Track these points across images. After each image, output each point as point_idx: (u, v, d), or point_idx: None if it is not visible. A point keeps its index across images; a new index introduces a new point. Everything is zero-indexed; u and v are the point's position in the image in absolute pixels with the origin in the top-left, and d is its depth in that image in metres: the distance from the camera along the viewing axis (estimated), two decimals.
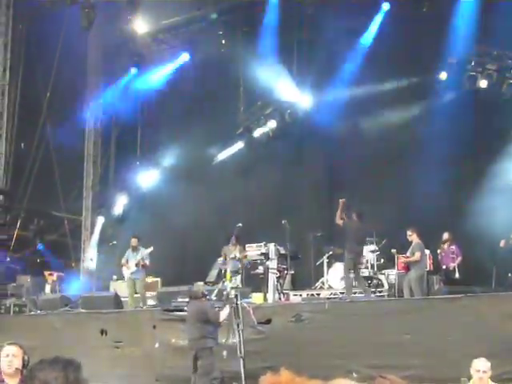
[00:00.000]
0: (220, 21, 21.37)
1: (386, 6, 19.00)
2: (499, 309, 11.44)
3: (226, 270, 15.42)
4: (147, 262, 16.78)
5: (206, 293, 11.97)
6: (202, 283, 12.85)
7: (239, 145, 21.89)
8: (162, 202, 22.06)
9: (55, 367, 2.88)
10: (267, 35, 20.06)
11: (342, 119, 19.28)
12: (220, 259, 16.57)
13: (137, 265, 16.66)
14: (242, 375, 10.57)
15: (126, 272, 16.91)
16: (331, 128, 19.18)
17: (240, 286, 14.95)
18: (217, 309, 11.80)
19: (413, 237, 14.85)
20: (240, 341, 11.14)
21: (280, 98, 20.65)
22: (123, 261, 16.97)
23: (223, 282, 15.02)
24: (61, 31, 20.32)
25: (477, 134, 17.59)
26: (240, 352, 11.05)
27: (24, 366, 5.89)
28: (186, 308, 12.39)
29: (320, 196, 19.87)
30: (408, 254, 14.91)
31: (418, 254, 14.55)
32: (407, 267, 14.90)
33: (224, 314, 11.34)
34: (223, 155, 21.99)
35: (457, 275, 15.82)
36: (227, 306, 11.41)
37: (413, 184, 18.05)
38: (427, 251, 15.78)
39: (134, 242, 17.01)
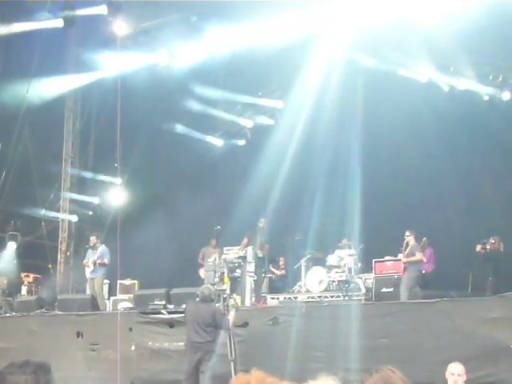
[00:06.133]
0: (200, 24, 21.32)
1: None
2: (474, 313, 11.52)
3: (223, 273, 15.28)
4: (106, 260, 16.55)
5: (214, 297, 11.64)
6: (211, 286, 12.51)
7: (218, 142, 21.91)
8: (138, 205, 22.07)
9: (26, 370, 2.85)
10: None
11: (322, 120, 19.26)
12: (210, 260, 16.40)
13: (94, 263, 16.54)
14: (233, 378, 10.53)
15: (87, 272, 16.82)
16: (311, 131, 19.17)
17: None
18: None
19: (410, 238, 14.62)
20: (231, 344, 11.11)
21: (259, 103, 20.68)
22: (84, 261, 16.90)
23: (221, 284, 14.89)
24: (40, 31, 20.20)
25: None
26: (231, 355, 11.02)
27: None
28: (184, 309, 12.01)
29: (299, 199, 19.86)
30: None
31: (419, 255, 14.44)
32: (404, 269, 14.60)
33: (231, 319, 11.22)
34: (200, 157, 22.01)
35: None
36: (232, 312, 11.31)
37: (386, 186, 18.23)
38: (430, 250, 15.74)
39: (92, 240, 16.95)
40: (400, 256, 15.12)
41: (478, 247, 15.34)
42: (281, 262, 18.79)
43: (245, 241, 16.48)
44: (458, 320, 11.47)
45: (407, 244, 14.50)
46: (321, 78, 18.48)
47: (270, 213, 17.69)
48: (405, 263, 14.49)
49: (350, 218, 17.84)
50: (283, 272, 18.69)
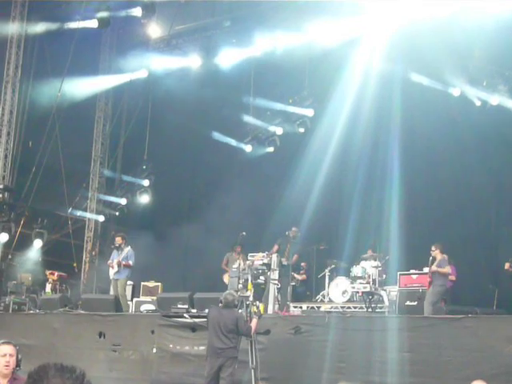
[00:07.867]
0: (233, 29, 21.37)
1: None
2: (500, 331, 11.36)
3: (247, 279, 15.18)
4: (131, 261, 16.54)
5: (237, 303, 11.49)
6: (235, 292, 12.41)
7: (247, 148, 21.88)
8: (164, 208, 22.15)
9: (71, 375, 2.75)
10: None
11: (356, 130, 19.05)
12: (235, 266, 16.32)
13: (118, 265, 16.56)
14: None
15: (111, 273, 16.84)
16: (345, 140, 18.95)
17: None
18: None
19: (436, 252, 14.21)
20: (252, 351, 11.04)
21: (290, 110, 20.61)
22: (109, 261, 16.90)
23: (245, 291, 14.82)
24: (75, 31, 20.40)
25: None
26: (252, 363, 10.95)
27: (17, 365, 5.75)
28: (207, 314, 11.82)
29: (325, 209, 19.74)
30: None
31: (448, 268, 14.17)
32: (429, 283, 14.23)
33: (254, 326, 11.17)
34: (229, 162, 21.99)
35: None
36: (254, 319, 11.26)
37: (417, 199, 18.09)
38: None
39: (117, 240, 16.86)
40: (426, 269, 14.93)
41: (507, 265, 15.10)
42: (302, 267, 18.71)
43: (275, 247, 16.43)
44: (483, 337, 11.32)
45: (434, 258, 14.30)
46: (355, 87, 18.39)
47: (296, 221, 17.62)
48: (430, 277, 14.27)
49: (376, 229, 17.74)
50: (304, 277, 18.64)
